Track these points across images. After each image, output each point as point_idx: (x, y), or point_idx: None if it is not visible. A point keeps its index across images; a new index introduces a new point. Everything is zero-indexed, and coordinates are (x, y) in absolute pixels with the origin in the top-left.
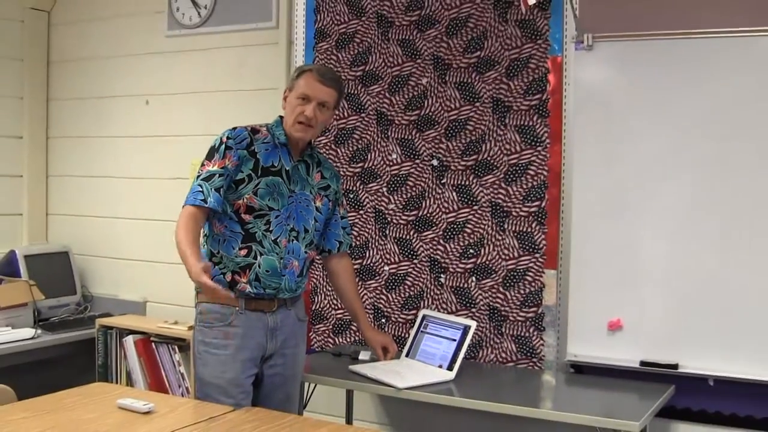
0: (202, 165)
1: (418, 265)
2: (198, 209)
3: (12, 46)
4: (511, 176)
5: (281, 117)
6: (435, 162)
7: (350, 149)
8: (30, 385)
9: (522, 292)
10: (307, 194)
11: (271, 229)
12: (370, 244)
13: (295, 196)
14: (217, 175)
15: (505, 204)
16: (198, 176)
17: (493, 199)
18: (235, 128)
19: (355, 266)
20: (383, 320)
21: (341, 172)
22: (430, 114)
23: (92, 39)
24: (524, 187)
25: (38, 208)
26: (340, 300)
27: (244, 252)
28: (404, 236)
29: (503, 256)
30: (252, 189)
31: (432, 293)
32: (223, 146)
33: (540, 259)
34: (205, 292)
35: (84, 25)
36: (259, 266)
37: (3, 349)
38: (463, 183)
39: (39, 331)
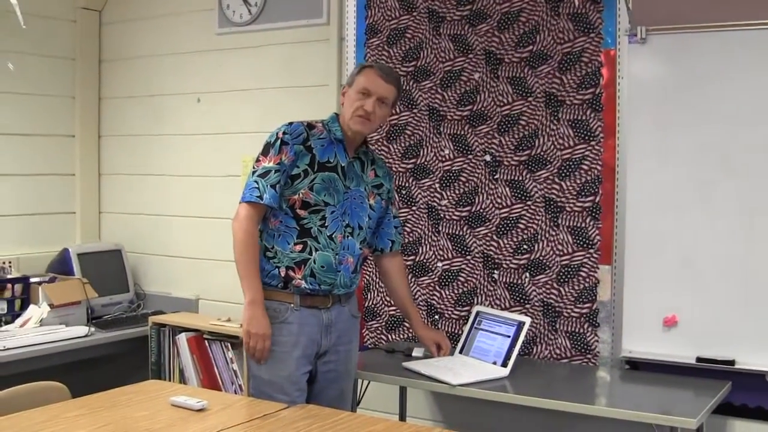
0: (257, 160)
1: (472, 261)
2: (254, 206)
3: (64, 45)
4: (565, 171)
5: (336, 114)
6: (488, 157)
7: (402, 145)
8: (83, 383)
9: (576, 287)
10: (361, 191)
11: (326, 224)
12: (422, 241)
13: (350, 192)
14: (273, 171)
15: (558, 199)
16: (253, 172)
17: (546, 195)
18: (291, 123)
19: (408, 263)
20: (436, 317)
21: (393, 168)
22: (483, 109)
23: (143, 38)
24: (578, 182)
25: (91, 207)
26: (392, 299)
27: (299, 247)
28: (457, 232)
29: (557, 252)
30: (308, 184)
31: (485, 289)
32: (279, 141)
33: (594, 255)
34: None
35: (135, 24)
36: (315, 262)
37: (57, 347)
38: (516, 178)
39: (92, 329)
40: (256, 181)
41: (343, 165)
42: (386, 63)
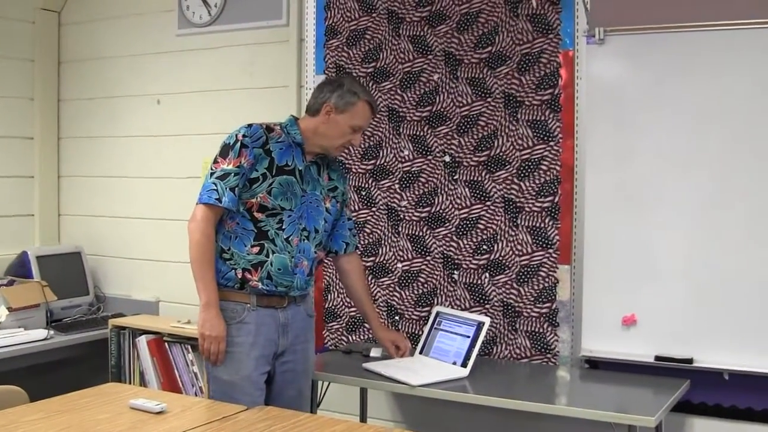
0: (215, 162)
1: (431, 262)
2: (212, 208)
3: (23, 46)
4: (524, 172)
5: (294, 117)
6: (447, 158)
7: (362, 146)
8: (43, 387)
9: (536, 287)
10: (317, 195)
11: (283, 227)
12: (382, 242)
13: (307, 196)
14: (233, 174)
15: (517, 199)
16: (211, 173)
17: (505, 195)
18: (250, 125)
19: (368, 263)
20: (397, 317)
21: (353, 170)
22: (442, 110)
23: (103, 39)
24: (537, 182)
25: (50, 209)
26: (351, 299)
27: (256, 249)
28: (417, 233)
29: (516, 252)
30: (266, 188)
31: (445, 290)
32: (239, 144)
33: (553, 255)
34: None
35: (94, 25)
36: (271, 264)
37: (16, 350)
38: (475, 179)
39: (52, 332)
40: (214, 183)
41: (300, 169)
42: (345, 64)
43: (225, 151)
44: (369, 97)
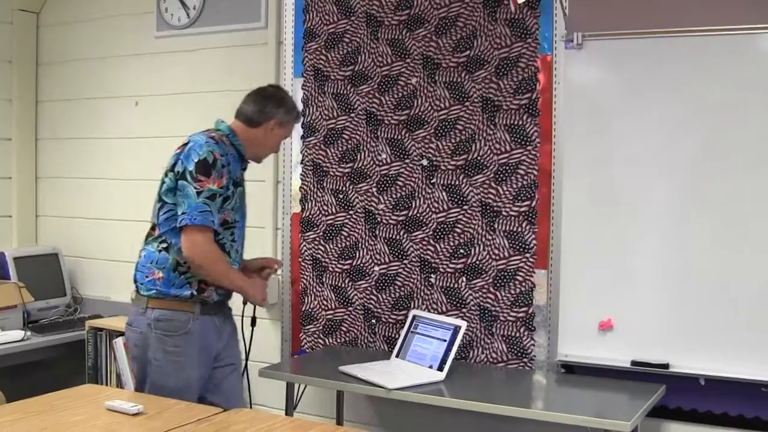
0: (198, 180)
1: (408, 266)
2: (207, 231)
3: (0, 47)
4: (501, 176)
5: (228, 126)
6: (425, 162)
7: (340, 149)
8: (19, 388)
9: (512, 292)
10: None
11: (235, 239)
12: (360, 245)
13: (244, 203)
14: (218, 195)
15: (495, 204)
16: (198, 193)
17: (483, 199)
18: (216, 142)
19: (345, 267)
20: (373, 320)
21: (330, 173)
22: (420, 114)
23: (81, 40)
24: (514, 186)
25: (27, 210)
26: None
27: None
28: (394, 236)
29: (493, 256)
30: (231, 205)
31: (422, 293)
32: (219, 163)
33: (530, 259)
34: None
35: (73, 26)
36: None
37: None
38: (452, 183)
39: (28, 333)
40: (207, 204)
41: (242, 179)
42: (323, 67)
43: (206, 169)
44: (299, 111)
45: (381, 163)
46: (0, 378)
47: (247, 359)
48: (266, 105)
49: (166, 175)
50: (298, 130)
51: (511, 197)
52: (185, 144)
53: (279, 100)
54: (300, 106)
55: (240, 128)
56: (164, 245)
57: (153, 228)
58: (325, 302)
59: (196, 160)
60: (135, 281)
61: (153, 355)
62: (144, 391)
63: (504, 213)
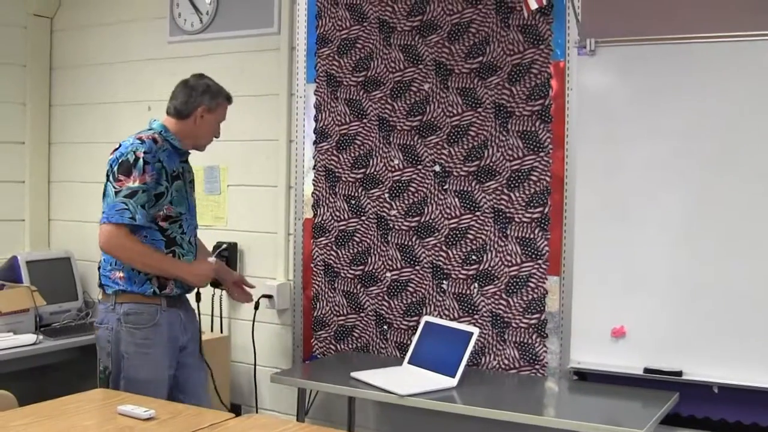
0: (118, 180)
1: (421, 272)
2: (122, 227)
3: (15, 52)
4: (514, 182)
5: (161, 123)
6: (437, 168)
7: (352, 155)
8: (31, 391)
9: (525, 298)
10: (190, 190)
11: (185, 231)
12: (372, 251)
13: (189, 194)
14: (141, 191)
15: (507, 210)
16: (116, 192)
17: (495, 205)
18: (142, 141)
19: (357, 272)
20: (385, 327)
21: (343, 178)
22: (432, 120)
23: (94, 45)
24: (527, 193)
25: (40, 214)
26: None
27: (168, 255)
28: (406, 242)
29: (506, 263)
30: (169, 199)
31: (434, 300)
32: (141, 161)
33: (543, 266)
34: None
35: (86, 31)
36: None
37: (4, 355)
38: (465, 189)
39: (40, 337)
40: (124, 203)
41: (181, 172)
42: (336, 73)
43: (127, 169)
44: (227, 93)
45: (393, 169)
46: (12, 381)
47: (200, 340)
48: (191, 95)
49: (106, 179)
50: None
51: (524, 203)
52: (116, 149)
53: (203, 87)
54: (312, 112)
55: (171, 123)
56: None
57: None
58: (336, 308)
59: (119, 161)
60: (100, 284)
61: (125, 349)
62: (120, 388)
63: (516, 219)
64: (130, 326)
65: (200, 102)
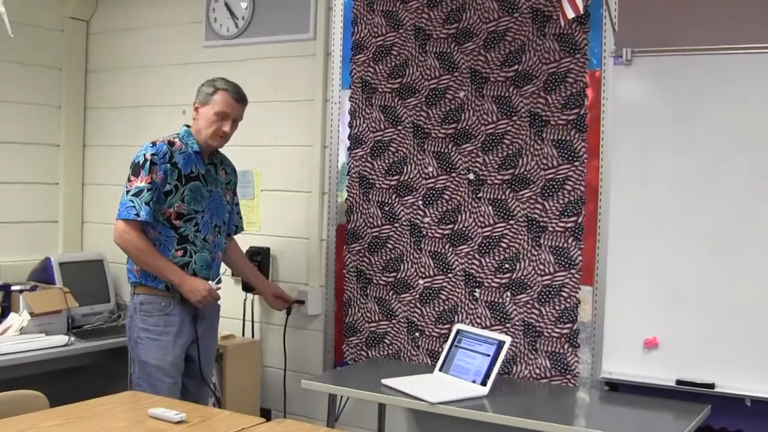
0: (129, 181)
1: (453, 279)
2: (131, 222)
3: (51, 55)
4: (548, 191)
5: (188, 126)
6: (471, 176)
7: (386, 162)
8: (62, 392)
9: (557, 308)
10: (220, 192)
11: (200, 229)
12: (404, 257)
13: (213, 195)
14: (146, 190)
15: (541, 219)
16: (127, 192)
17: (529, 214)
18: (155, 144)
19: (389, 279)
20: (417, 334)
21: (376, 185)
22: (467, 127)
23: (130, 48)
24: (561, 202)
25: (74, 216)
26: (236, 271)
27: (180, 253)
28: (439, 250)
29: (539, 272)
30: (179, 197)
31: (466, 307)
32: (148, 162)
33: (576, 275)
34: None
35: (122, 34)
36: (195, 263)
37: (36, 355)
38: (499, 197)
39: (72, 339)
40: (131, 201)
41: (203, 173)
42: (371, 80)
43: (136, 170)
44: (226, 85)
45: (427, 176)
46: (43, 382)
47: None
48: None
49: None
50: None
51: (558, 213)
52: None
53: (202, 85)
54: (347, 118)
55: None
56: None
57: None
58: (368, 314)
59: (132, 163)
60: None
61: (138, 334)
62: (135, 372)
63: (550, 228)
64: (144, 314)
65: (195, 100)
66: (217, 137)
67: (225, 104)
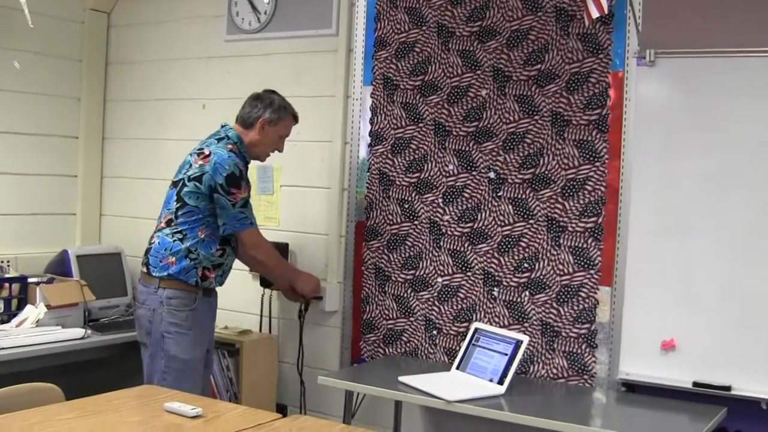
0: (232, 193)
1: (472, 278)
2: (254, 232)
3: (71, 46)
4: (569, 191)
5: (237, 133)
6: (492, 174)
7: (407, 159)
8: (78, 385)
9: (575, 308)
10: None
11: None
12: (423, 255)
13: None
14: (248, 199)
15: (561, 219)
16: (233, 204)
17: (549, 214)
18: (236, 154)
19: (408, 276)
20: (434, 332)
21: (396, 182)
22: (489, 126)
23: (151, 41)
24: (581, 202)
25: (92, 209)
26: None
27: (219, 252)
28: (458, 248)
29: (558, 272)
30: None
31: (485, 306)
32: (243, 174)
33: (595, 276)
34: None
35: (143, 27)
36: (227, 264)
37: (53, 348)
38: (519, 196)
39: (89, 332)
40: (242, 212)
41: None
42: (393, 77)
43: (236, 182)
44: (294, 111)
45: (448, 174)
46: (59, 375)
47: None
48: (255, 106)
49: (189, 179)
50: (365, 139)
51: (578, 213)
52: (206, 155)
53: (268, 101)
54: (368, 115)
55: (241, 131)
56: (179, 236)
57: (169, 220)
58: (386, 311)
59: (225, 175)
60: (147, 264)
61: (165, 329)
62: (161, 365)
63: (570, 228)
64: (172, 309)
65: (262, 114)
66: (270, 154)
67: (289, 128)
